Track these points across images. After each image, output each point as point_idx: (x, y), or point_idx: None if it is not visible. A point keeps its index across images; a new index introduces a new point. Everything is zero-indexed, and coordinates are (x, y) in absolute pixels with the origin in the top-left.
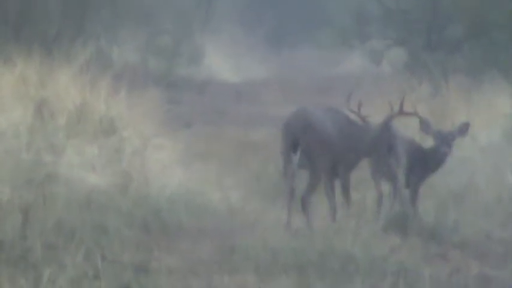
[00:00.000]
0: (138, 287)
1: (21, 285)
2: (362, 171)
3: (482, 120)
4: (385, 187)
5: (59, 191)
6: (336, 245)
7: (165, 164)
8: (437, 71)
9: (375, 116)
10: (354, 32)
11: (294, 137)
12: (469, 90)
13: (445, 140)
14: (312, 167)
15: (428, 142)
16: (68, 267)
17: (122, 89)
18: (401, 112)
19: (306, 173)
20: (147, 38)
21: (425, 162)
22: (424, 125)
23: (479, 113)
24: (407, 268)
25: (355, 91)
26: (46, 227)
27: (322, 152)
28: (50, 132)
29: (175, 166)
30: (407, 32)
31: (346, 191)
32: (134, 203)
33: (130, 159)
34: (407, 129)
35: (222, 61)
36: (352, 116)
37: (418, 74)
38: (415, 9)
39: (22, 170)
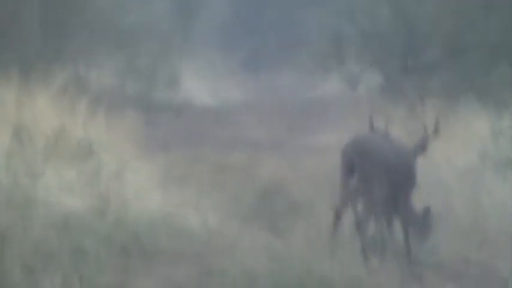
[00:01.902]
0: None
1: None
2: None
3: (458, 144)
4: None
5: (37, 214)
6: (314, 268)
7: (143, 187)
8: (413, 94)
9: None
10: (330, 55)
11: (350, 162)
12: (445, 113)
13: None
14: (368, 193)
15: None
16: None
17: (100, 112)
18: (438, 134)
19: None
20: (125, 60)
21: None
22: None
23: (455, 136)
24: None
25: (331, 114)
26: (24, 249)
27: (380, 178)
28: (28, 155)
29: (154, 189)
30: (383, 55)
31: (405, 228)
32: (112, 226)
33: (108, 182)
34: None
35: (200, 84)
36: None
37: (394, 97)
38: (391, 32)
39: (0, 193)
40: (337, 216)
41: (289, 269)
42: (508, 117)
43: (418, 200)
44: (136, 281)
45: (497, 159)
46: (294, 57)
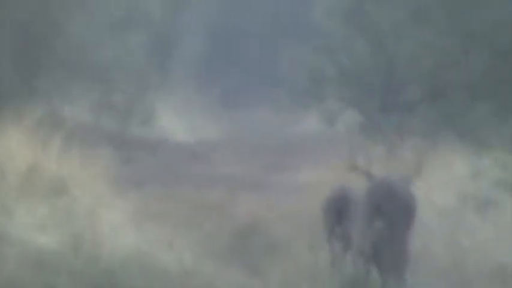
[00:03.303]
0: None
1: None
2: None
3: (438, 182)
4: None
5: (10, 251)
6: None
7: (117, 224)
8: (391, 132)
9: (330, 175)
10: (309, 92)
11: (377, 205)
12: (425, 153)
13: None
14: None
15: None
16: None
17: (74, 148)
18: (419, 173)
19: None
20: (99, 96)
21: None
22: None
23: (435, 176)
24: None
25: (309, 152)
26: None
27: (407, 222)
28: (1, 192)
29: (128, 226)
30: (362, 93)
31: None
32: (86, 264)
33: (82, 219)
34: None
35: (176, 121)
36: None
37: (373, 135)
38: (370, 70)
39: None
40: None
41: None
42: (488, 157)
43: None
44: None
45: (477, 199)
46: (272, 94)
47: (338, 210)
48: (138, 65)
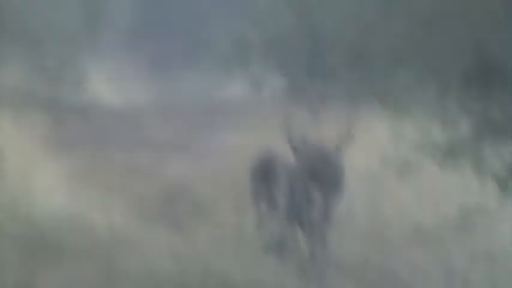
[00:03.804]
0: None
1: None
2: (241, 195)
3: (360, 148)
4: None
5: None
6: (217, 268)
7: (50, 186)
8: (316, 98)
9: (256, 139)
10: (235, 57)
11: (311, 170)
12: (349, 118)
13: None
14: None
15: None
16: None
17: (7, 113)
18: (352, 138)
19: None
20: (31, 61)
21: None
22: None
23: (357, 140)
24: None
25: (236, 116)
26: None
27: (338, 187)
28: None
29: (60, 189)
30: (286, 59)
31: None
32: (19, 225)
33: (15, 182)
34: None
35: (107, 85)
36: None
37: (298, 101)
38: (294, 36)
39: None
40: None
41: (192, 269)
42: (409, 122)
43: None
44: (42, 279)
45: (397, 163)
46: (200, 59)
47: (265, 172)
48: (69, 30)
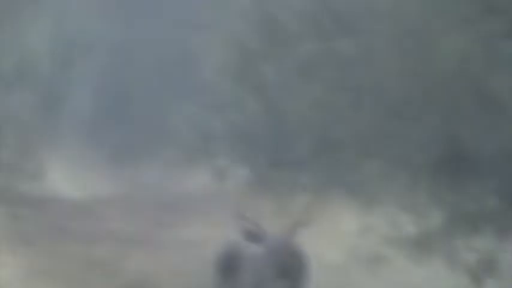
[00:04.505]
0: None
1: None
2: None
3: (326, 239)
4: None
5: None
6: None
7: (6, 282)
8: (282, 188)
9: (219, 232)
10: (197, 149)
11: (280, 264)
12: (314, 208)
13: None
14: None
15: None
16: None
17: None
18: (308, 225)
19: None
20: None
21: None
22: None
23: (323, 232)
24: None
25: (198, 208)
26: None
27: (305, 280)
28: None
29: (17, 284)
30: (252, 149)
31: None
32: None
33: None
34: None
35: (65, 177)
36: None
37: (263, 192)
38: (259, 126)
39: None
40: None
41: None
42: (379, 213)
43: None
44: None
45: (365, 256)
46: (161, 150)
47: (228, 266)
48: (26, 121)
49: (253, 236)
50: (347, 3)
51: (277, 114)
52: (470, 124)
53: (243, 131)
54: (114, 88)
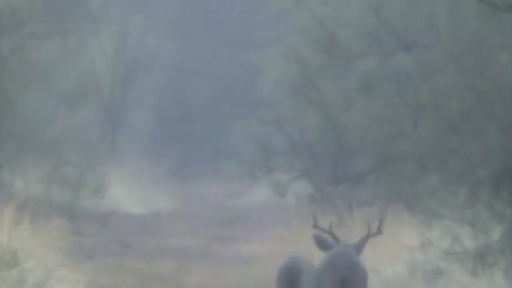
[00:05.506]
0: None
1: None
2: None
3: (386, 253)
4: None
5: None
6: None
7: None
8: (341, 203)
9: (279, 247)
10: (258, 164)
11: (342, 277)
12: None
13: None
14: None
15: None
16: None
17: (25, 220)
18: (380, 232)
19: None
20: (50, 168)
21: None
22: None
23: (383, 246)
24: None
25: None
26: None
27: None
28: None
29: None
30: (311, 165)
31: None
32: None
33: None
34: None
35: (127, 192)
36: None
37: (323, 206)
38: (319, 142)
39: None
40: None
41: None
42: (437, 228)
43: None
44: None
45: (425, 270)
46: (221, 165)
47: (291, 280)
48: (88, 137)
49: (326, 244)
50: (406, 20)
51: (336, 129)
52: None
53: (302, 147)
54: (175, 105)
